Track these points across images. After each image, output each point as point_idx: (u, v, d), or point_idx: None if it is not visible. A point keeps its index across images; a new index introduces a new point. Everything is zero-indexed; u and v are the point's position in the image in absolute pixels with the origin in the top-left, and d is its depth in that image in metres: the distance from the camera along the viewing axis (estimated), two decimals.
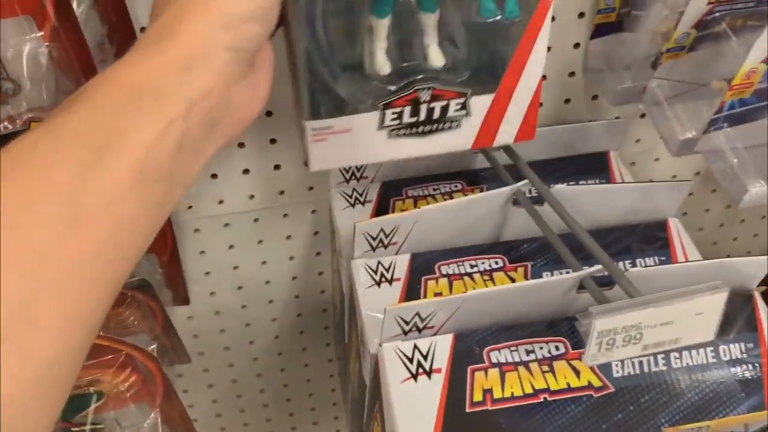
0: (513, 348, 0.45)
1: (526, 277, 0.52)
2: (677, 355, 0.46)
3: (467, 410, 0.43)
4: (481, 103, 0.46)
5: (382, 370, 0.45)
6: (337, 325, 0.73)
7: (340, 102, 0.44)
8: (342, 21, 0.42)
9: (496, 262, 0.53)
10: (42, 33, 0.43)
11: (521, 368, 0.44)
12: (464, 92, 0.46)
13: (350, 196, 0.60)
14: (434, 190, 0.61)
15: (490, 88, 0.46)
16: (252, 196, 0.63)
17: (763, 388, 0.45)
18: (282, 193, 0.64)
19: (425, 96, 0.45)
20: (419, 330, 0.45)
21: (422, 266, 0.53)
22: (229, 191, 0.62)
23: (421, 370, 0.44)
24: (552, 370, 0.44)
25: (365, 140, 0.46)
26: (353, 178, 0.61)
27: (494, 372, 0.44)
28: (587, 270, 0.45)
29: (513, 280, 0.52)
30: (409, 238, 0.53)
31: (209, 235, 0.65)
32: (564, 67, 0.62)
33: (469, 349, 0.45)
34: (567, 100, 0.65)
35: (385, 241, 0.53)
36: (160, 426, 0.49)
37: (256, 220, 0.65)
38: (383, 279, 0.52)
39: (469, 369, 0.44)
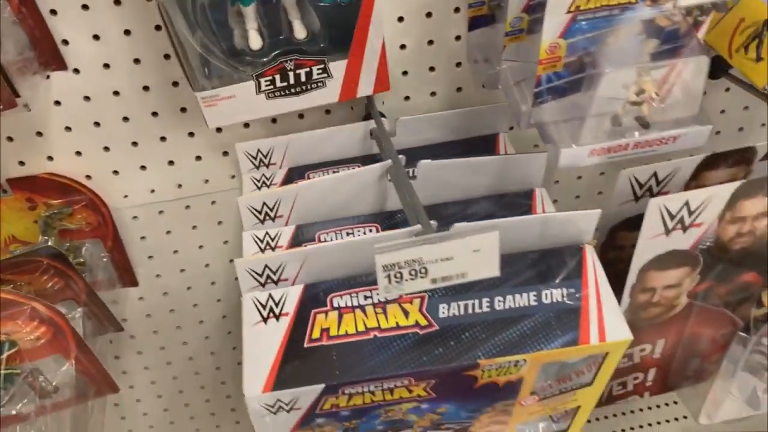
0: (354, 294, 0.52)
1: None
2: (501, 299, 0.52)
3: (305, 345, 0.49)
4: (338, 67, 0.56)
5: (242, 318, 0.52)
6: None
7: (221, 75, 0.55)
8: (213, 10, 0.52)
9: (370, 230, 0.60)
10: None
11: (358, 311, 0.51)
12: (322, 60, 0.56)
13: (258, 181, 0.68)
14: (333, 172, 0.68)
15: (343, 54, 0.56)
16: (180, 185, 0.72)
17: (579, 327, 0.50)
18: (207, 181, 0.72)
19: (290, 65, 0.55)
20: (275, 282, 0.53)
21: (305, 235, 0.60)
22: (158, 181, 0.71)
23: (271, 315, 0.51)
24: (384, 312, 0.51)
25: (249, 102, 0.56)
26: (262, 164, 0.69)
27: (333, 314, 0.51)
28: (416, 227, 0.51)
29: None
30: (294, 210, 0.61)
31: (146, 221, 0.73)
32: (450, 58, 0.69)
33: (315, 296, 0.52)
34: (458, 89, 0.71)
35: (272, 214, 0.61)
36: (76, 375, 0.57)
37: (187, 207, 0.74)
38: (268, 247, 0.59)
39: (312, 312, 0.51)
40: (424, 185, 0.60)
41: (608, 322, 0.51)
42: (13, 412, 0.55)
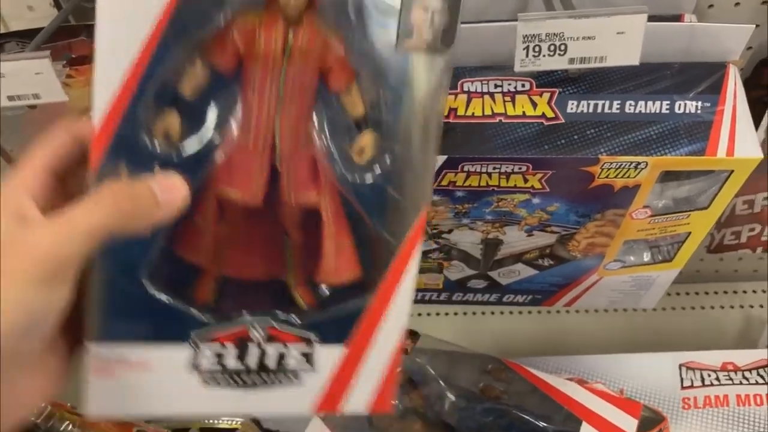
0: (485, 82, 0.53)
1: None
2: (632, 103, 0.51)
3: None
4: (328, 356, 0.38)
5: None
6: None
7: (142, 323, 0.37)
8: None
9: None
10: None
11: (487, 97, 0.52)
12: (308, 338, 0.38)
13: None
14: None
15: (341, 337, 0.38)
16: None
17: (708, 139, 0.50)
18: None
19: (258, 335, 0.37)
20: None
21: None
22: None
23: None
24: (513, 101, 0.52)
25: (169, 383, 0.37)
26: None
27: (463, 97, 0.52)
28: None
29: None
30: None
31: None
32: None
33: None
34: None
35: None
36: None
37: None
38: None
39: None
40: None
41: (739, 139, 0.50)
42: None
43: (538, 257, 0.63)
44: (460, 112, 0.52)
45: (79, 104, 0.59)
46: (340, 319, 0.38)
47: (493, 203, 0.55)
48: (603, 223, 0.57)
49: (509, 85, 0.53)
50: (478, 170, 0.52)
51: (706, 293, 1.05)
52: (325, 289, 0.39)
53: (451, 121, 0.52)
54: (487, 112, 0.52)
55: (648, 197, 0.54)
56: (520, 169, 0.51)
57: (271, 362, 0.37)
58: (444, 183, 0.53)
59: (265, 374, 0.37)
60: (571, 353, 0.93)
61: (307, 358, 0.37)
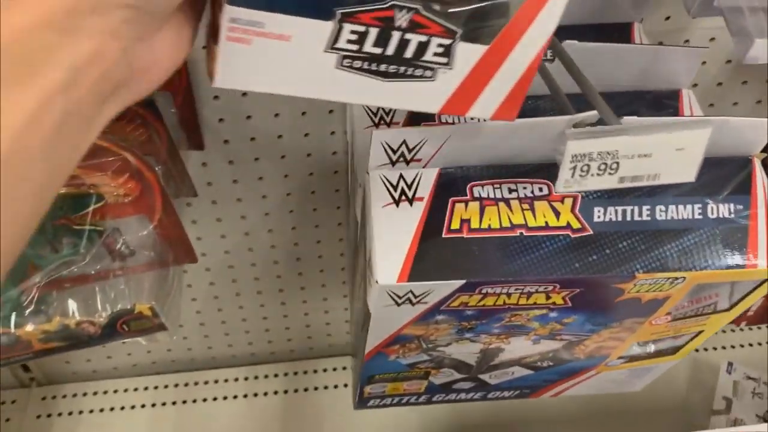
0: (497, 185, 0.45)
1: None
2: (663, 208, 0.46)
3: (443, 235, 0.44)
4: (468, 55, 0.35)
5: (367, 197, 0.46)
6: (350, 196, 0.73)
7: None
8: None
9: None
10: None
11: (502, 204, 0.45)
12: (454, 31, 0.34)
13: None
14: None
15: (485, 37, 0.34)
16: None
17: (746, 248, 0.45)
18: None
19: (402, 19, 0.33)
20: (407, 162, 0.46)
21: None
22: None
23: (403, 198, 0.45)
24: (532, 209, 0.45)
25: (305, 61, 0.33)
26: None
27: (474, 205, 0.45)
28: (582, 114, 0.44)
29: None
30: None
31: None
32: None
33: (453, 182, 0.45)
34: None
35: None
36: (157, 240, 0.52)
37: None
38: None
39: (450, 200, 0.45)
40: (563, 69, 0.52)
41: None
42: (92, 272, 0.50)
43: (538, 360, 0.56)
44: (474, 224, 0.44)
45: None
46: (485, 18, 0.34)
47: (505, 319, 0.48)
48: (619, 330, 0.51)
49: (524, 189, 0.45)
50: (498, 292, 0.44)
51: None
52: None
53: (465, 236, 0.44)
54: (505, 223, 0.44)
55: (674, 306, 0.49)
56: (545, 288, 0.44)
57: (409, 52, 0.34)
58: (455, 304, 0.45)
59: (401, 64, 0.34)
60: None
61: (447, 52, 0.34)
